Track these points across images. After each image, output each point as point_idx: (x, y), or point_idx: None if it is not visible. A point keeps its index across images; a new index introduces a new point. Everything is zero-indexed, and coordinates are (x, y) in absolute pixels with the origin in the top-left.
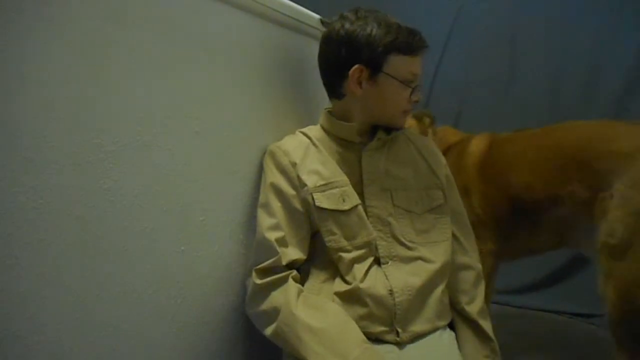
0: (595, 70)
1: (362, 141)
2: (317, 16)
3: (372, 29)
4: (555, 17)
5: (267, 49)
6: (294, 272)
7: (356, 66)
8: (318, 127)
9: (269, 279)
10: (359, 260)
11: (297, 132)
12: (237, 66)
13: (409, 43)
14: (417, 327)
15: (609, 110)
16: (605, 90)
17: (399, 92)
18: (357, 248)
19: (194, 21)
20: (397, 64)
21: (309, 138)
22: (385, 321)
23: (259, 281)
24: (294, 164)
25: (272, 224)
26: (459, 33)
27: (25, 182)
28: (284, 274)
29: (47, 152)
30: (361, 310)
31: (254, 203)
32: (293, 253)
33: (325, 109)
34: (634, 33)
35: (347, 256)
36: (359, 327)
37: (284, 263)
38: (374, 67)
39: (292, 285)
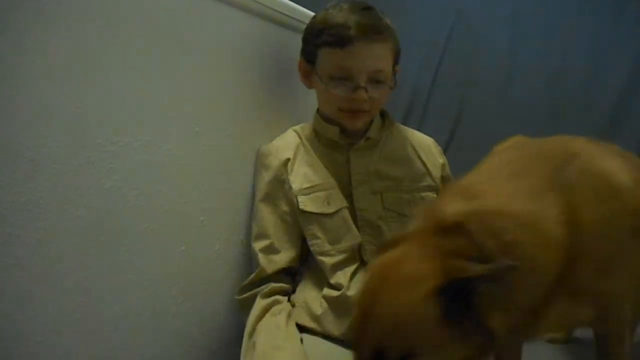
0: (595, 71)
1: (351, 141)
2: None
3: (314, 21)
4: (555, 17)
5: (268, 48)
6: (268, 287)
7: (299, 59)
8: (309, 125)
9: (245, 295)
10: (341, 265)
11: (289, 131)
12: (237, 66)
13: (336, 35)
14: None
15: (608, 111)
16: (605, 91)
17: (327, 88)
18: (341, 252)
19: (195, 22)
20: (326, 58)
21: (300, 137)
22: None
23: (237, 297)
24: (283, 164)
25: (258, 233)
26: (459, 33)
27: (25, 182)
28: (255, 290)
29: (47, 152)
30: (349, 322)
31: (254, 203)
32: (284, 258)
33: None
34: (634, 34)
35: (329, 260)
36: (347, 337)
37: (269, 272)
38: (310, 62)
39: (258, 305)
